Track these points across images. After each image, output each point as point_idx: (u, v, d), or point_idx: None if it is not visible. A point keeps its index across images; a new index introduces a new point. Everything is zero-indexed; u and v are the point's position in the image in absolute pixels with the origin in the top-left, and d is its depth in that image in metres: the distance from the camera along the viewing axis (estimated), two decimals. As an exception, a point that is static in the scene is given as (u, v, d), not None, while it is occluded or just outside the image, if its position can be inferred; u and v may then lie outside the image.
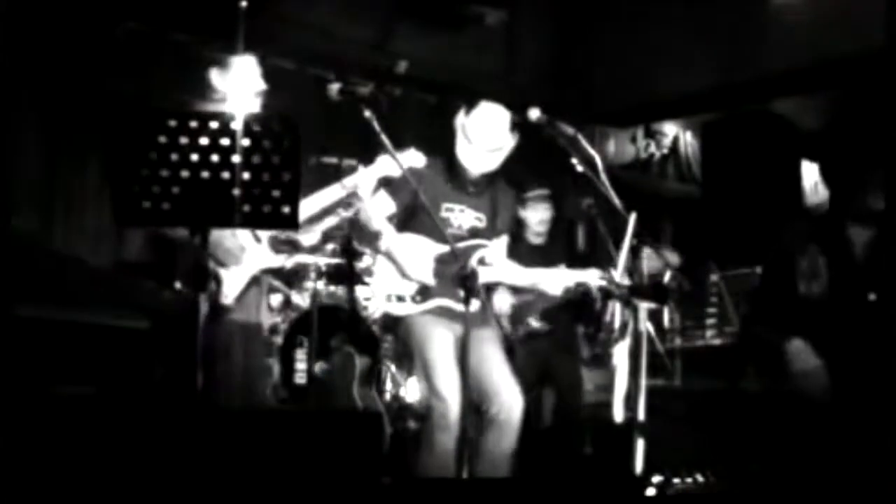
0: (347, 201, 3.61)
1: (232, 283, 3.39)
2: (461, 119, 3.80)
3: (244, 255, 3.43)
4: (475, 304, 3.57)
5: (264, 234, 3.51)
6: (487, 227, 3.90)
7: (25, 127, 5.16)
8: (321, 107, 4.05)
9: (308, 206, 3.51)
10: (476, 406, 3.75)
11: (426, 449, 3.64)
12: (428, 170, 3.74)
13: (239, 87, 3.48)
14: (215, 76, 3.50)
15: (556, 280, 3.93)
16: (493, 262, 3.93)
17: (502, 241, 3.99)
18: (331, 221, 3.84)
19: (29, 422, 2.41)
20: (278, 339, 5.06)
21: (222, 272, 3.36)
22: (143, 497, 2.38)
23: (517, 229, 5.15)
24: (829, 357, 3.49)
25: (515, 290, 4.99)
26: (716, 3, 6.38)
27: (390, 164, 3.56)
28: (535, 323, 5.10)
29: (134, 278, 4.22)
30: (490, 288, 4.91)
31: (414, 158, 3.67)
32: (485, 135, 3.75)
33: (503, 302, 4.97)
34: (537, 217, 5.17)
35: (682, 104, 7.31)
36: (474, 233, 3.86)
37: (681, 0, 6.57)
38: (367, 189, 3.59)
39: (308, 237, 4.08)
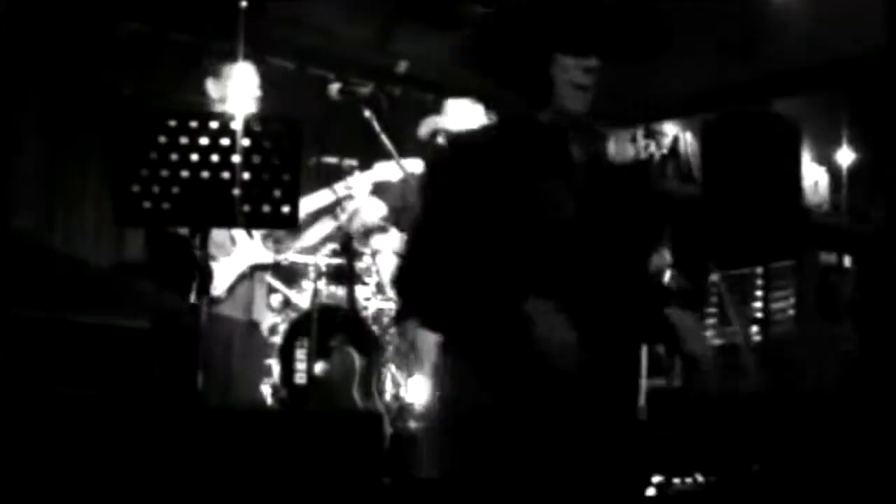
0: (340, 205, 3.61)
1: (221, 276, 3.38)
2: (437, 120, 3.99)
3: (235, 248, 3.43)
4: None
5: (258, 231, 3.51)
6: None
7: (25, 127, 5.16)
8: (321, 107, 4.06)
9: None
10: None
11: (429, 450, 3.65)
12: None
13: (235, 95, 3.48)
14: (211, 85, 3.50)
15: None
16: None
17: None
18: (326, 227, 3.83)
19: (29, 422, 2.41)
20: (278, 339, 5.05)
21: (212, 265, 3.36)
22: (142, 498, 2.37)
23: None
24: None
25: None
26: (716, 3, 6.37)
27: (386, 169, 3.58)
28: None
29: (134, 278, 4.22)
30: None
31: (416, 165, 3.69)
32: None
33: None
34: None
35: (683, 104, 7.30)
36: None
37: (681, 0, 6.56)
38: (362, 192, 3.59)
39: (308, 238, 4.07)
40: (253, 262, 3.49)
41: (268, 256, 3.57)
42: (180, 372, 2.70)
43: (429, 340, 3.77)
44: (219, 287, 3.37)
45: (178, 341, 2.71)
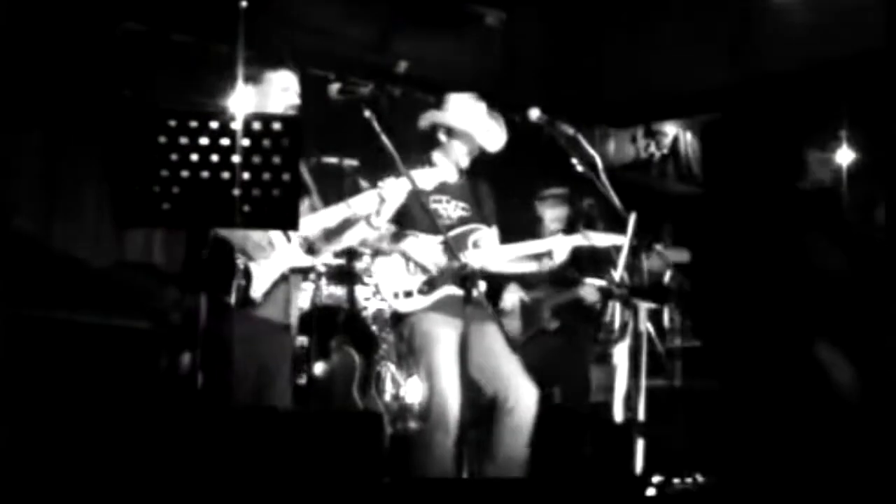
0: (368, 215, 3.57)
1: (262, 278, 3.37)
2: (438, 114, 3.97)
3: (273, 251, 3.42)
4: (477, 295, 3.60)
5: (294, 234, 3.49)
6: (473, 216, 3.97)
7: (26, 127, 5.16)
8: (321, 107, 4.06)
9: (314, 222, 3.51)
10: (490, 398, 3.79)
11: (426, 449, 3.66)
12: (414, 166, 3.78)
13: (277, 102, 3.49)
14: (252, 91, 3.50)
15: (558, 246, 3.97)
16: (486, 246, 3.98)
17: (493, 231, 4.03)
18: (361, 233, 3.80)
19: (30, 421, 2.41)
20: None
21: (252, 266, 3.35)
22: (144, 495, 2.38)
23: (533, 225, 5.21)
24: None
25: (527, 286, 5.04)
26: (716, 3, 6.38)
27: (421, 176, 3.57)
28: (547, 321, 5.13)
29: (134, 278, 4.21)
30: (501, 285, 4.97)
31: (437, 175, 3.69)
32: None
33: (513, 298, 5.02)
34: (553, 215, 5.23)
35: (682, 104, 7.31)
36: (463, 221, 3.93)
37: (681, 0, 6.56)
38: (396, 198, 3.57)
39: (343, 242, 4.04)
40: (291, 265, 3.48)
41: (306, 260, 3.55)
42: (206, 369, 2.70)
43: (426, 342, 3.77)
44: (258, 289, 3.36)
45: (209, 340, 2.71)
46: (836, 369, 2.17)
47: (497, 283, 4.97)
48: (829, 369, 2.17)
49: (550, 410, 5.13)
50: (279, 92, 3.52)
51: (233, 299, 3.27)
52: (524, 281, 5.02)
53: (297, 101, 3.54)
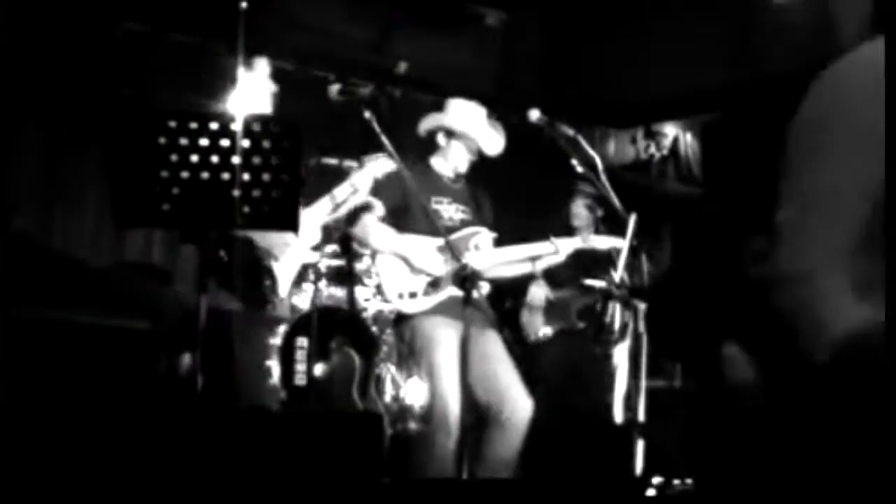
0: (344, 201, 3.59)
1: (284, 277, 3.38)
2: (438, 117, 3.98)
3: (288, 248, 3.42)
4: (478, 297, 3.60)
5: (301, 229, 3.51)
6: (473, 218, 3.97)
7: (25, 127, 5.16)
8: (321, 107, 4.07)
9: (308, 218, 3.51)
10: (483, 407, 3.78)
11: (427, 450, 3.66)
12: (411, 167, 3.79)
13: (260, 89, 3.51)
14: (244, 76, 3.51)
15: (556, 249, 3.95)
16: (485, 249, 3.98)
17: (489, 235, 4.03)
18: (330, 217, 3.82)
19: (30, 422, 2.41)
20: (278, 340, 5.05)
21: (275, 266, 3.35)
22: (145, 496, 2.38)
23: (557, 222, 5.20)
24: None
25: (554, 284, 5.04)
26: (716, 3, 6.38)
27: (383, 163, 3.58)
28: (574, 322, 5.14)
29: (133, 278, 4.20)
30: (526, 280, 4.98)
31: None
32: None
33: (538, 295, 5.02)
34: (579, 211, 5.22)
35: (682, 104, 7.31)
36: (464, 224, 3.93)
37: (681, 0, 6.57)
38: (365, 189, 3.59)
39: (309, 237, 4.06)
40: (303, 261, 3.49)
41: (313, 256, 3.57)
42: (212, 371, 2.71)
43: (427, 343, 3.77)
44: (283, 287, 3.37)
45: (209, 340, 2.71)
46: (734, 368, 2.23)
47: (523, 279, 4.97)
48: (727, 367, 2.23)
49: (566, 410, 5.15)
50: (264, 78, 3.55)
51: (273, 300, 3.29)
52: (551, 279, 5.02)
53: (273, 86, 3.57)
